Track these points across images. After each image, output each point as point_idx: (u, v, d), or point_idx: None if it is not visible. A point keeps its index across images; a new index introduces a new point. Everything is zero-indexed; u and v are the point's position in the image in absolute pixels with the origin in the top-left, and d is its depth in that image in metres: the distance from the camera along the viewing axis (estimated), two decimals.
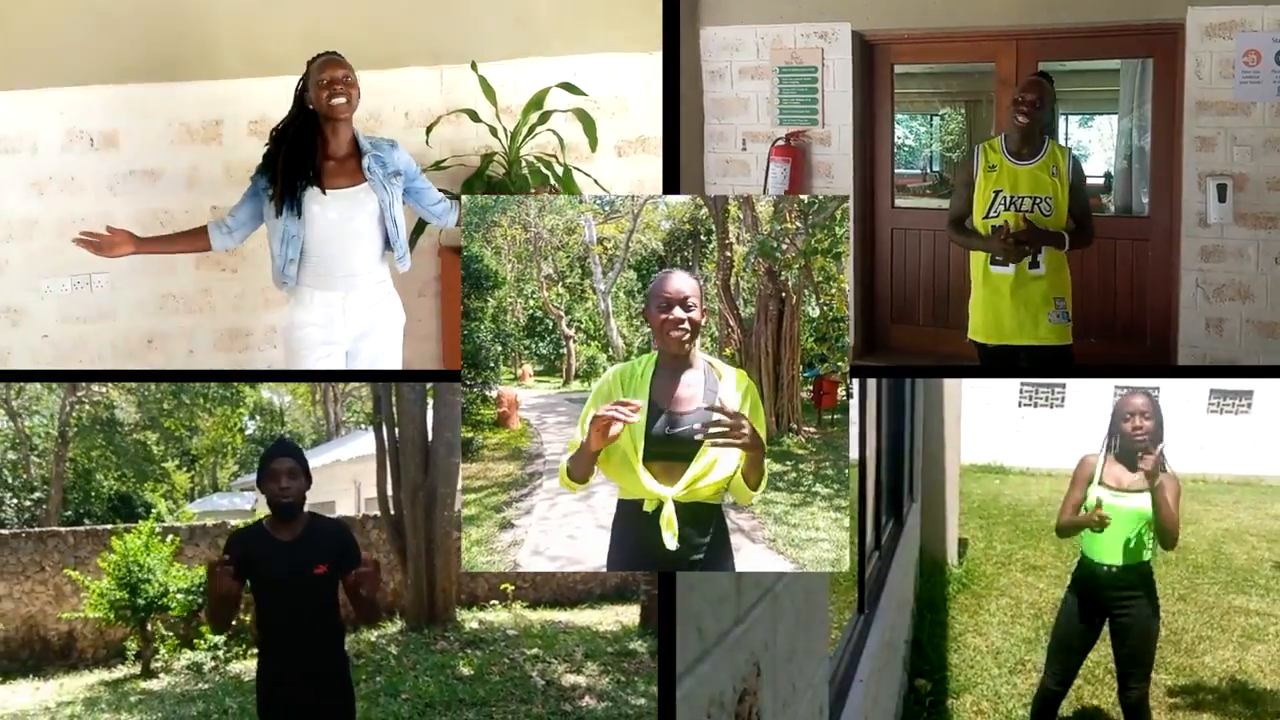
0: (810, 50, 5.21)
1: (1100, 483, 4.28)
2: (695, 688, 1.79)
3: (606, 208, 16.53)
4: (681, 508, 2.47)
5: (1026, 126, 4.05)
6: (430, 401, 8.71)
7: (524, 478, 10.19)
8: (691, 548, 2.47)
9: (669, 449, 2.49)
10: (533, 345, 21.07)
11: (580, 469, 2.53)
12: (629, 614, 8.66)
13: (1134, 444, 4.20)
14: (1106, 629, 4.46)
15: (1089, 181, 5.50)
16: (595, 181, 4.76)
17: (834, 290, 12.10)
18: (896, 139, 5.47)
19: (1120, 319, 4.97)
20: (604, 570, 7.89)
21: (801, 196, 9.63)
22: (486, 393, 14.30)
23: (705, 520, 2.51)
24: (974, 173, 4.13)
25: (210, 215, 4.52)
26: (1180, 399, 16.33)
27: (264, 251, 3.97)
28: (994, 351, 4.21)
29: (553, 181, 4.57)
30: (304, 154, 3.74)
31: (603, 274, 18.15)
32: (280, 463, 3.40)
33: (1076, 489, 4.36)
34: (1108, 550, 4.29)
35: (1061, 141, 5.33)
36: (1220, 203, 4.55)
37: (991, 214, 4.08)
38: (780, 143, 5.26)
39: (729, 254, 12.30)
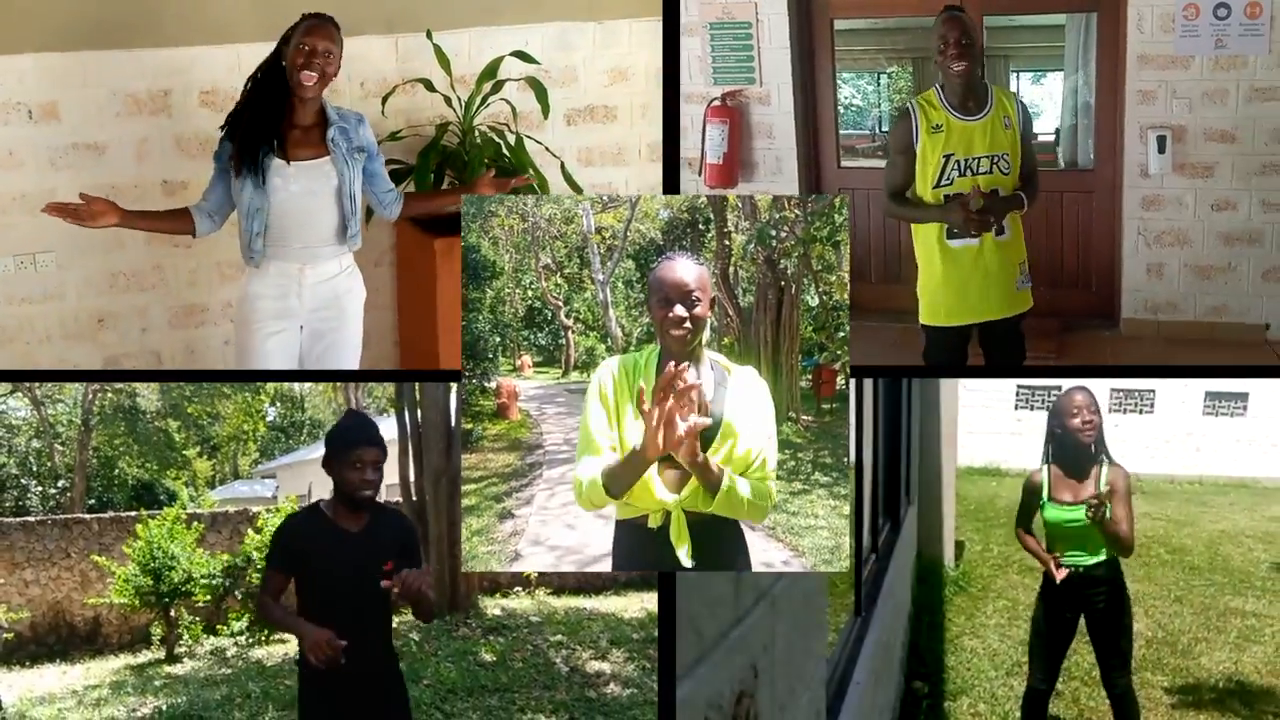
0: (743, 5, 5.00)
1: (1051, 500, 4.27)
2: (693, 690, 1.77)
3: (604, 198, 16.48)
4: (694, 523, 2.27)
5: (967, 70, 3.59)
6: (454, 386, 8.62)
7: (523, 468, 10.24)
8: (707, 562, 2.26)
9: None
10: (531, 336, 21.06)
11: (627, 481, 2.21)
12: (655, 601, 8.41)
13: (1084, 438, 4.20)
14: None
15: (1041, 138, 5.34)
16: (546, 149, 4.72)
17: (833, 279, 12.06)
18: (842, 98, 5.28)
19: (1067, 268, 5.07)
20: (607, 570, 7.99)
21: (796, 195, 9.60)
22: (485, 384, 14.32)
23: (721, 533, 2.30)
24: (914, 136, 3.66)
25: (161, 190, 4.40)
26: (1176, 401, 16.38)
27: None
28: (954, 333, 3.83)
29: (505, 152, 4.51)
30: (268, 120, 3.58)
31: (601, 264, 18.09)
32: (368, 452, 2.99)
33: (1024, 509, 4.39)
34: (1073, 558, 4.28)
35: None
36: (1160, 154, 4.64)
37: (944, 181, 3.64)
38: (716, 103, 5.05)
39: (727, 243, 12.28)
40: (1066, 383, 4.49)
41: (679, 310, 2.29)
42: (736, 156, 5.09)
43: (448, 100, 4.57)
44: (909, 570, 7.24)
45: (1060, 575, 4.26)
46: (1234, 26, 4.48)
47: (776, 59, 5.04)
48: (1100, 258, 4.98)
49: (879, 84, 5.91)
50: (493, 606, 8.53)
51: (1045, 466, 4.32)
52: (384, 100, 4.56)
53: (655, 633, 7.36)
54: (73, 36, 4.23)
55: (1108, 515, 4.05)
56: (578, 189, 4.87)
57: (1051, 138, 5.44)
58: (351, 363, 3.92)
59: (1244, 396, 16.60)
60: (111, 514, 9.07)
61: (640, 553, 2.32)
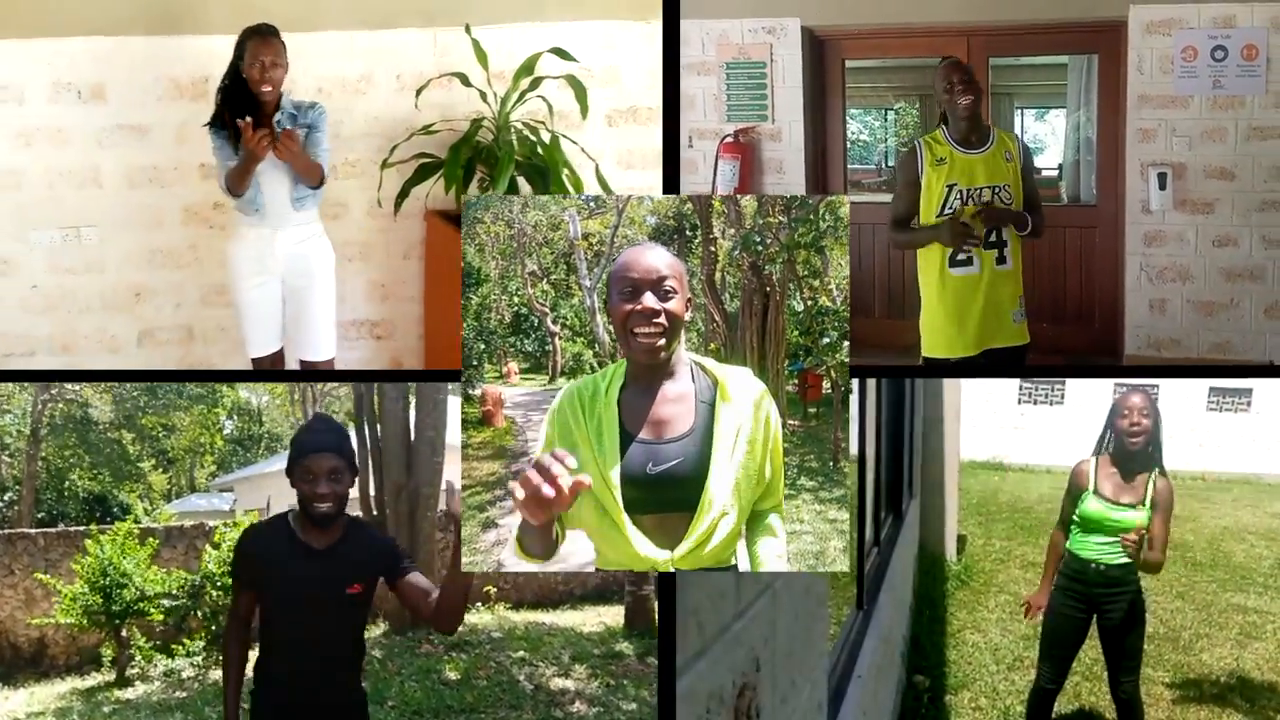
0: (759, 46, 5.22)
1: (1095, 493, 4.28)
2: (695, 683, 1.73)
3: (591, 204, 16.44)
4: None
5: (972, 104, 3.78)
6: (413, 400, 8.58)
7: (508, 476, 10.18)
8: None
9: (658, 495, 1.88)
10: (517, 343, 21.06)
11: (536, 545, 1.88)
12: (612, 614, 8.60)
13: (1131, 442, 4.22)
14: (1095, 625, 4.49)
15: (1045, 173, 5.57)
16: (583, 150, 4.67)
17: (818, 284, 12.08)
18: (850, 134, 5.48)
19: (1070, 302, 5.19)
20: (591, 571, 7.97)
21: (785, 195, 9.58)
22: (470, 391, 14.27)
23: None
24: (919, 170, 3.84)
25: (199, 173, 4.66)
26: (1180, 397, 16.45)
27: None
28: (956, 364, 3.94)
29: (539, 150, 4.51)
30: (243, 108, 4.01)
31: (588, 270, 18.06)
32: (320, 461, 2.71)
33: (1068, 502, 4.40)
34: (1097, 551, 4.31)
35: (1016, 132, 5.27)
36: (1161, 190, 4.79)
37: (946, 210, 3.79)
38: (729, 139, 5.20)
39: (713, 249, 12.31)
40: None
41: (649, 300, 1.86)
42: (747, 191, 5.26)
43: (483, 95, 4.55)
44: (911, 564, 7.30)
45: (1031, 616, 4.52)
46: (1231, 68, 4.65)
47: (789, 97, 5.24)
48: (1103, 293, 5.09)
49: (885, 120, 5.97)
50: None
51: (1095, 457, 4.34)
52: (418, 93, 4.60)
53: (615, 648, 7.55)
54: (123, 22, 4.57)
55: (1143, 549, 4.16)
56: (610, 194, 4.82)
57: (1055, 173, 5.59)
58: (324, 321, 4.30)
59: (1248, 392, 16.73)
60: (60, 528, 8.70)
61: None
